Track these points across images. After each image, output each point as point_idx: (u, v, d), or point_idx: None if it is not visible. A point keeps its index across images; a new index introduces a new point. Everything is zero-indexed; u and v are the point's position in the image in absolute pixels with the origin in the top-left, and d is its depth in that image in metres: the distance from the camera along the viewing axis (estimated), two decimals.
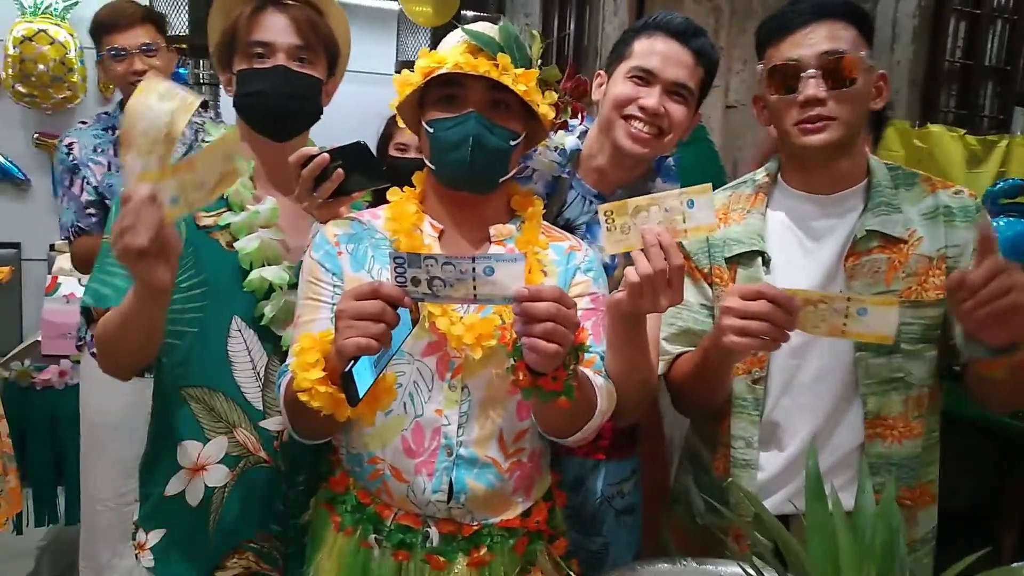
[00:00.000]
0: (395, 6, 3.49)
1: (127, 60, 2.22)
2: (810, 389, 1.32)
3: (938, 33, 3.62)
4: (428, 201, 1.30)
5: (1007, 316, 1.07)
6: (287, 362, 1.23)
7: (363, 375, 1.01)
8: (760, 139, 2.41)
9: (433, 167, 1.24)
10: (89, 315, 1.31)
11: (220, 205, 1.37)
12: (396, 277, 1.02)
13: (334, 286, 1.23)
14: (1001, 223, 2.90)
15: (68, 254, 2.53)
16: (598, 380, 1.21)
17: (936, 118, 3.66)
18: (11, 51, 3.84)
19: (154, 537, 1.39)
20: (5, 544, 2.65)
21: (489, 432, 1.22)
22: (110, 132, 2.26)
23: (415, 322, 1.08)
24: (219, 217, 1.36)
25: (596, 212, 1.45)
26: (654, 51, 1.41)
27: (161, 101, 1.05)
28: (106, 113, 2.35)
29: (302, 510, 1.36)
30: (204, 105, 3.40)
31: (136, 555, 1.42)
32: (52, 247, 3.54)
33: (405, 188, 1.31)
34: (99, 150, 2.23)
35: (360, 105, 2.04)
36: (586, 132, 1.53)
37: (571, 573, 1.27)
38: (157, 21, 2.30)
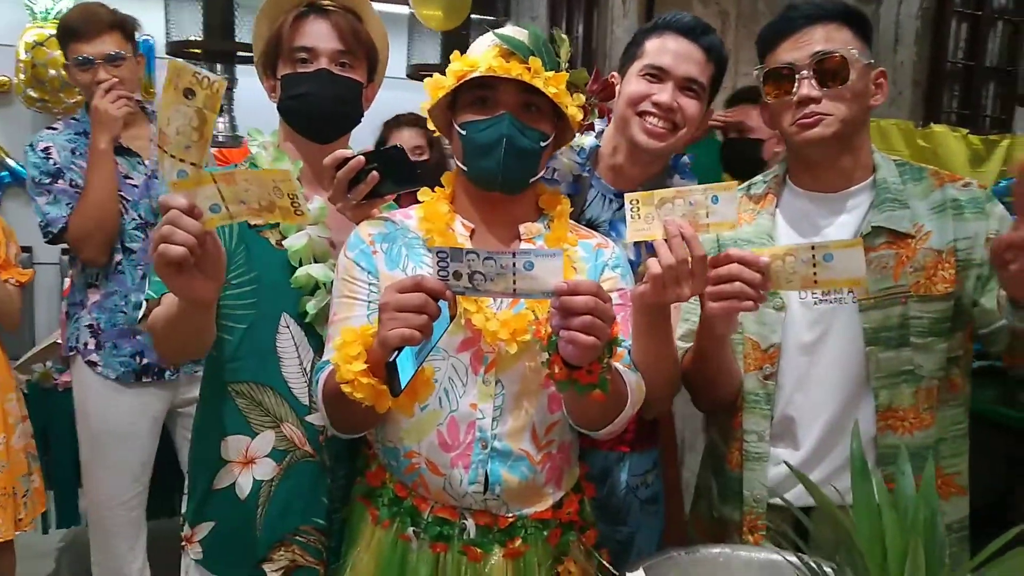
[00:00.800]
0: (406, 10, 3.52)
1: (92, 70, 2.18)
2: (823, 384, 1.35)
3: (940, 35, 3.68)
4: (458, 201, 1.33)
5: None
6: (324, 358, 1.26)
7: (405, 366, 1.03)
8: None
9: (465, 168, 1.27)
10: (145, 310, 1.33)
11: None
12: (438, 271, 1.05)
13: (370, 284, 1.26)
14: None
15: None
16: (628, 374, 1.24)
17: (939, 118, 3.72)
18: (23, 56, 3.84)
19: (202, 530, 1.42)
20: (27, 544, 2.67)
21: (522, 425, 1.26)
22: (84, 136, 2.24)
23: (453, 316, 1.10)
24: None
25: (617, 210, 1.49)
26: (666, 49, 1.46)
27: (189, 96, 1.03)
28: (74, 119, 2.34)
29: (344, 504, 1.40)
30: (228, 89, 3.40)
31: (183, 547, 1.45)
32: (64, 251, 3.57)
33: (436, 188, 1.34)
34: (77, 152, 2.22)
35: (373, 108, 2.07)
36: (602, 132, 1.57)
37: (603, 563, 1.31)
38: (125, 27, 2.24)
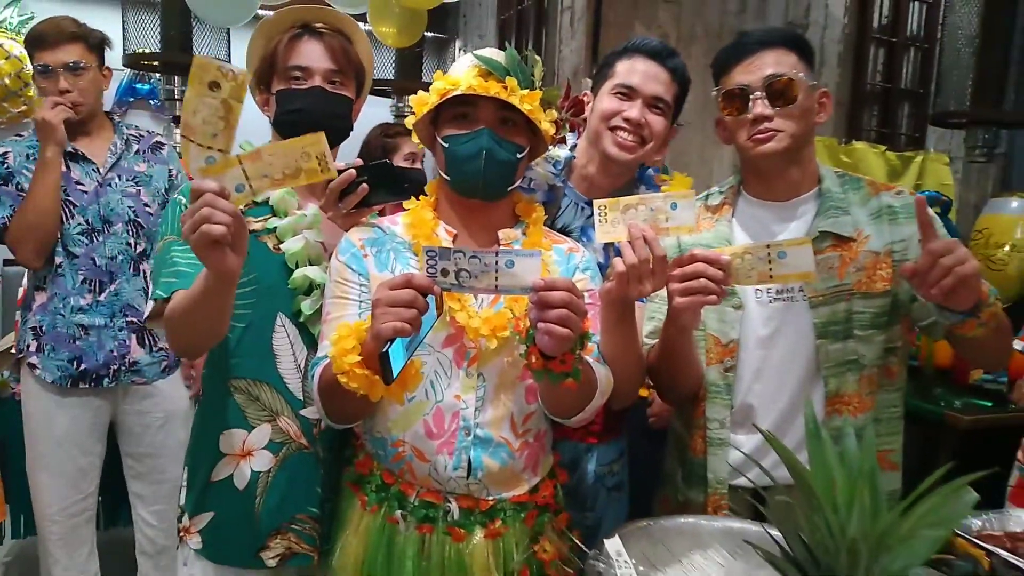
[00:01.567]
0: (364, 27, 3.62)
1: (53, 77, 2.23)
2: (778, 375, 1.47)
3: (860, 59, 3.92)
4: (441, 208, 1.43)
5: (961, 285, 1.22)
6: (319, 354, 1.34)
7: (397, 357, 1.11)
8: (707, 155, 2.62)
9: (448, 178, 1.37)
10: (155, 309, 1.39)
11: (266, 211, 1.48)
12: (427, 268, 1.14)
13: (361, 285, 1.35)
14: None
15: None
16: (598, 366, 1.34)
17: (860, 136, 3.94)
18: None
19: (201, 521, 1.47)
20: None
21: (502, 415, 1.35)
22: None
23: (440, 312, 1.19)
24: (266, 222, 1.47)
25: (589, 217, 1.62)
26: (635, 70, 1.60)
27: (214, 88, 1.08)
28: None
29: (337, 493, 1.46)
30: (176, 120, 3.43)
31: (181, 538, 1.50)
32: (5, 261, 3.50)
33: (420, 197, 1.44)
34: (31, 158, 2.26)
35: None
36: (575, 145, 1.70)
37: (576, 542, 1.41)
38: (89, 40, 2.29)
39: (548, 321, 1.12)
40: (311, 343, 1.46)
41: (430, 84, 1.37)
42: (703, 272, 1.27)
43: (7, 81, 3.80)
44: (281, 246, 1.46)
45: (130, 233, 2.32)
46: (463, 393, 1.34)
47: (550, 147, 1.54)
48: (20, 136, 2.34)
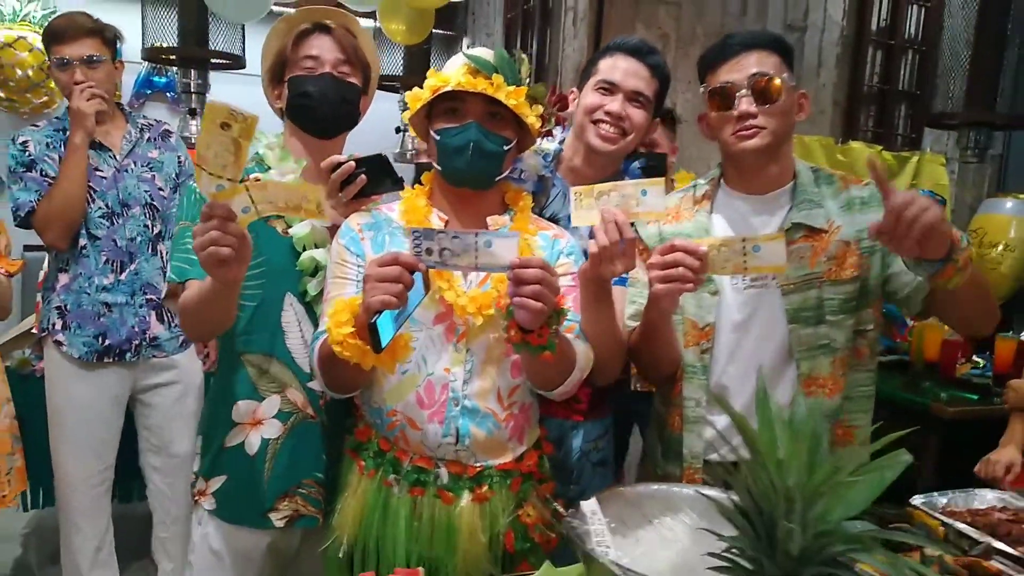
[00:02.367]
0: (372, 23, 3.69)
1: (70, 70, 2.33)
2: (752, 357, 1.55)
3: (858, 61, 4.00)
4: (435, 197, 1.53)
5: (929, 233, 1.25)
6: (319, 329, 1.44)
7: (385, 328, 1.21)
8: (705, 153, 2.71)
9: (440, 168, 1.47)
10: (170, 290, 1.52)
11: (261, 168, 1.61)
12: (413, 247, 1.24)
13: (358, 266, 1.45)
14: None
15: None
16: (578, 343, 1.44)
17: (856, 136, 4.02)
18: None
19: (215, 483, 1.59)
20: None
21: (489, 387, 1.45)
22: (62, 133, 2.41)
23: (427, 289, 1.29)
24: None
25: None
26: (616, 67, 1.70)
27: (225, 128, 1.17)
28: (57, 118, 2.50)
29: (339, 459, 1.56)
30: (191, 112, 3.56)
31: (196, 500, 1.61)
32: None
33: (416, 186, 1.55)
34: (51, 146, 2.38)
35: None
36: (564, 139, 1.80)
37: (558, 508, 1.51)
38: (104, 34, 2.40)
39: (523, 296, 1.22)
40: (317, 321, 1.56)
41: None
42: (682, 261, 1.35)
43: (30, 73, 3.92)
44: (289, 230, 1.57)
45: (147, 216, 2.46)
46: (452, 366, 1.43)
47: (538, 140, 1.64)
48: (36, 126, 2.46)
